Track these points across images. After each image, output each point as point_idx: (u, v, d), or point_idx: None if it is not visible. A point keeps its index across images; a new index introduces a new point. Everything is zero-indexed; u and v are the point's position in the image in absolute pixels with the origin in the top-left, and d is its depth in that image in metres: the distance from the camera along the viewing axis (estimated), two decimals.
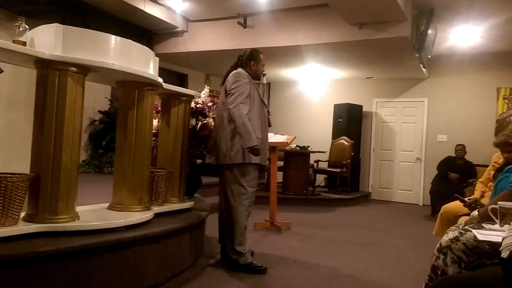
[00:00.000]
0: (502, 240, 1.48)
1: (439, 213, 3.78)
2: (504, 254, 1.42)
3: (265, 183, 7.60)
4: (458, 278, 1.65)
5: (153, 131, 3.23)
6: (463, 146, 6.78)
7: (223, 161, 3.13)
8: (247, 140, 2.99)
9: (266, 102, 3.43)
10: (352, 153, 7.66)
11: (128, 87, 2.75)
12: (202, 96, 3.85)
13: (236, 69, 3.29)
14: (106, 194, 3.08)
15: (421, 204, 7.90)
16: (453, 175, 6.42)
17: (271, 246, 3.97)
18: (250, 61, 3.30)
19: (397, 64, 7.02)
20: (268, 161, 4.88)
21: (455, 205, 3.56)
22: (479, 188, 3.88)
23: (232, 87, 3.13)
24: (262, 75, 3.43)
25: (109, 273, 2.29)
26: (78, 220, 2.33)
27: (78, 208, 2.44)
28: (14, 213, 2.08)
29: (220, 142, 3.14)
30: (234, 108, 3.04)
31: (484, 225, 2.20)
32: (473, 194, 4.03)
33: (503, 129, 7.06)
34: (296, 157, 6.99)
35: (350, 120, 8.13)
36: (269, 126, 3.42)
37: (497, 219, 2.14)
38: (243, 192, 3.12)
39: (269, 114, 3.42)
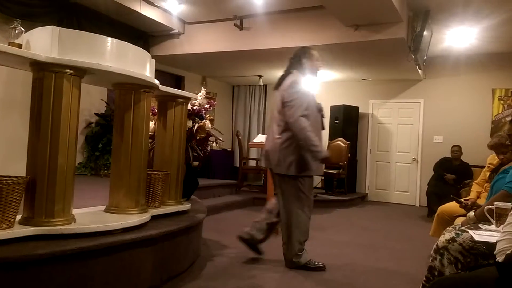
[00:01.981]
0: (496, 243, 1.49)
1: (436, 214, 3.79)
2: (500, 258, 1.43)
3: (261, 185, 7.61)
4: (455, 278, 1.66)
5: (150, 133, 3.23)
6: (459, 147, 6.80)
7: (277, 170, 3.21)
8: (316, 153, 3.05)
9: (320, 106, 3.40)
10: (349, 155, 7.68)
11: (125, 89, 2.74)
12: (199, 98, 3.84)
13: (289, 72, 3.28)
14: (102, 196, 3.07)
15: (417, 205, 7.92)
16: (449, 176, 6.45)
17: (268, 248, 3.96)
18: (301, 59, 3.29)
19: (393, 65, 7.05)
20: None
21: (451, 206, 3.57)
22: (474, 189, 3.90)
23: (290, 99, 3.11)
24: (318, 69, 3.40)
25: (105, 276, 2.29)
26: (74, 223, 2.31)
27: (75, 211, 2.43)
28: (10, 216, 2.06)
29: (271, 152, 3.21)
30: (295, 123, 3.05)
31: (480, 225, 2.20)
32: (469, 195, 4.05)
33: (499, 130, 7.09)
34: None
35: (346, 122, 8.15)
36: (323, 129, 3.42)
37: (493, 219, 2.14)
38: (302, 198, 3.19)
39: (323, 117, 3.43)
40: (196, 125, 3.75)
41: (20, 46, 2.28)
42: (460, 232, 2.03)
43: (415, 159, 8.07)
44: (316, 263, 3.26)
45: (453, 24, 5.90)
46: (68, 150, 2.27)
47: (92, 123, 6.23)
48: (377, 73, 7.89)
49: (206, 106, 3.89)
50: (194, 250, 3.31)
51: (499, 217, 2.09)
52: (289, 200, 3.21)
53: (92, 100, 6.21)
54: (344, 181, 7.71)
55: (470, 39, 6.45)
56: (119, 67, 2.43)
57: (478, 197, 3.74)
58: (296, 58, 3.33)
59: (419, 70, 7.25)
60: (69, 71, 2.24)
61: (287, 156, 3.13)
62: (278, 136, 3.18)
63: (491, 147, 3.43)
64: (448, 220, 3.46)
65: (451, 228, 2.22)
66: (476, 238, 1.93)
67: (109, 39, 2.45)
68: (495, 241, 1.55)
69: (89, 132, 6.15)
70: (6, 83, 5.13)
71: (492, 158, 3.82)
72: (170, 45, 6.97)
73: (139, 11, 5.88)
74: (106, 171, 5.78)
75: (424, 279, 2.07)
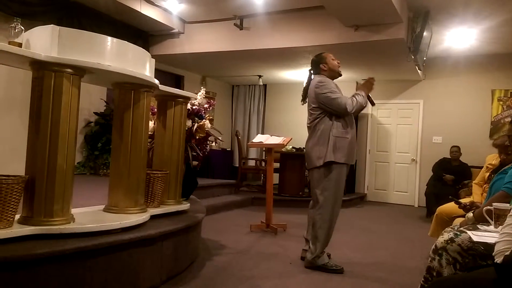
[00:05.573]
0: (495, 244, 1.49)
1: (435, 215, 3.79)
2: (498, 259, 1.43)
3: (261, 185, 7.61)
4: (453, 279, 1.66)
5: (149, 133, 3.23)
6: (458, 147, 6.81)
7: (309, 166, 3.37)
8: (362, 102, 3.36)
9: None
10: None
11: (124, 88, 2.74)
12: (198, 97, 3.84)
13: (311, 79, 3.45)
14: (101, 196, 3.07)
15: (416, 205, 7.93)
16: (448, 176, 6.45)
17: (267, 248, 3.97)
18: (319, 65, 3.44)
19: (392, 66, 7.05)
20: (264, 162, 4.86)
21: (450, 207, 3.57)
22: (476, 190, 3.88)
23: (320, 92, 3.29)
24: (339, 68, 3.51)
25: (104, 276, 2.28)
26: (73, 222, 2.31)
27: (74, 210, 2.43)
28: (9, 215, 2.06)
29: (306, 151, 3.42)
30: (339, 106, 3.26)
31: (479, 226, 2.20)
32: (468, 195, 4.05)
33: (498, 131, 7.11)
34: (292, 159, 7.00)
35: None
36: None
37: (492, 220, 2.15)
38: (325, 194, 3.26)
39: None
40: (196, 125, 3.75)
41: (20, 45, 2.28)
42: (458, 233, 2.03)
43: (414, 159, 8.08)
44: (335, 265, 3.29)
45: (453, 25, 5.90)
46: (68, 149, 2.27)
47: (92, 122, 6.23)
48: (377, 73, 7.87)
49: (206, 105, 3.89)
50: (193, 250, 3.31)
51: (498, 218, 2.09)
52: (316, 195, 3.30)
53: (91, 99, 6.20)
54: None
55: (470, 40, 6.46)
56: (119, 67, 2.43)
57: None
58: (314, 66, 3.48)
59: (418, 71, 7.25)
60: (68, 70, 2.24)
61: (317, 151, 3.28)
62: (309, 137, 3.39)
63: (497, 145, 3.42)
64: (447, 221, 3.46)
65: (450, 229, 2.23)
66: (475, 238, 1.94)
67: (109, 38, 2.45)
68: (493, 242, 1.55)
69: (89, 132, 6.14)
70: (6, 82, 5.12)
71: (491, 159, 3.82)
72: (170, 45, 6.96)
73: (139, 10, 5.88)
74: (105, 171, 5.78)
75: (423, 279, 2.07)
